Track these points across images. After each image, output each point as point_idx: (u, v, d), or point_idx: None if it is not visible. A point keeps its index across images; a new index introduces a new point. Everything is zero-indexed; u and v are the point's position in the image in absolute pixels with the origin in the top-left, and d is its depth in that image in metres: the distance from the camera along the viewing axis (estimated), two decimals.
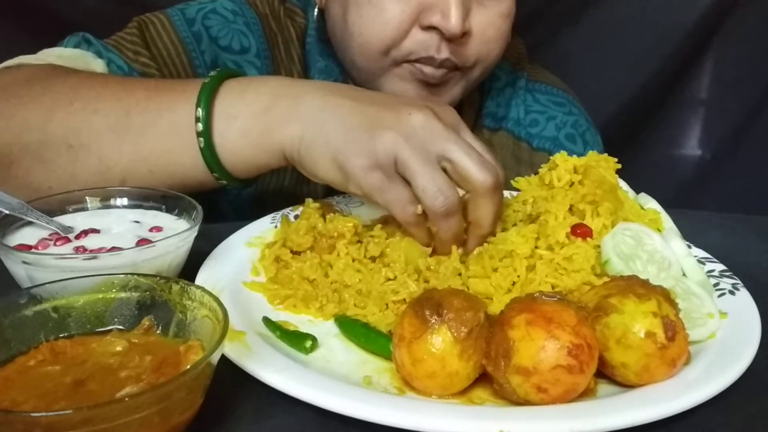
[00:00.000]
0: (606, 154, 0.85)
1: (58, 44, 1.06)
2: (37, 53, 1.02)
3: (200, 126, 0.85)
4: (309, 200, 0.89)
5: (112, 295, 0.63)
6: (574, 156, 0.84)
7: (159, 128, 0.87)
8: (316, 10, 1.21)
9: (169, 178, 0.88)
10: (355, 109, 0.81)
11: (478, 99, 1.28)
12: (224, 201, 1.17)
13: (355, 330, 0.71)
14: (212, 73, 0.88)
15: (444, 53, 1.04)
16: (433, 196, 0.76)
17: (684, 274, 0.77)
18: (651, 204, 0.86)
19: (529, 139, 1.27)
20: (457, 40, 1.03)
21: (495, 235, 0.81)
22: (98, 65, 1.04)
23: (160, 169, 0.88)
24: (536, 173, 0.88)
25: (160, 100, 0.88)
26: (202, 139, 0.85)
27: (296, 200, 0.92)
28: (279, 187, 1.16)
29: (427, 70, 1.06)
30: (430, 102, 0.84)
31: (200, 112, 0.85)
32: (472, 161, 0.77)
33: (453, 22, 1.00)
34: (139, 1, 1.17)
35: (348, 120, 0.80)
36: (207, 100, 0.85)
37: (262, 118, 0.85)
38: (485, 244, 0.81)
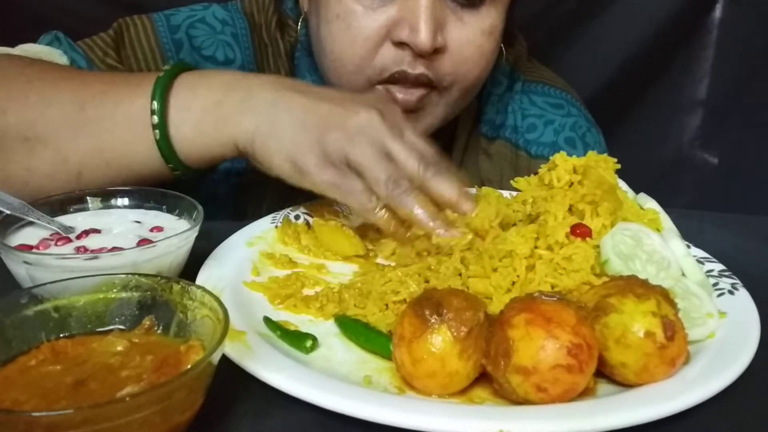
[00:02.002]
0: (606, 154, 0.85)
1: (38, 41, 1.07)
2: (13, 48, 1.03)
3: (156, 118, 0.86)
4: (317, 219, 0.92)
5: (113, 295, 0.64)
6: (574, 156, 0.84)
7: (115, 121, 0.88)
8: (300, 20, 1.17)
9: (126, 169, 0.89)
10: (306, 106, 0.84)
11: (476, 105, 1.23)
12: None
13: (355, 330, 0.71)
14: (166, 67, 0.90)
15: (418, 68, 1.00)
16: (385, 184, 0.80)
17: (683, 274, 0.77)
18: (650, 204, 0.86)
19: (527, 147, 1.23)
20: (429, 56, 0.99)
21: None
22: (62, 63, 1.04)
23: (116, 161, 0.89)
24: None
25: (116, 92, 0.89)
26: (157, 131, 0.86)
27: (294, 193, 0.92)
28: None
29: (400, 95, 1.02)
30: (380, 103, 0.87)
31: (155, 104, 0.86)
32: (408, 154, 0.82)
33: (422, 37, 0.96)
34: (133, 4, 1.17)
35: (299, 117, 0.83)
36: (162, 92, 0.87)
37: (215, 110, 0.86)
38: (485, 245, 0.81)
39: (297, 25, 1.18)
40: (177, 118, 0.87)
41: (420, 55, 0.99)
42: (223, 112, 0.86)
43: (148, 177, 0.89)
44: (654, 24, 1.85)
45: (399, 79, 1.02)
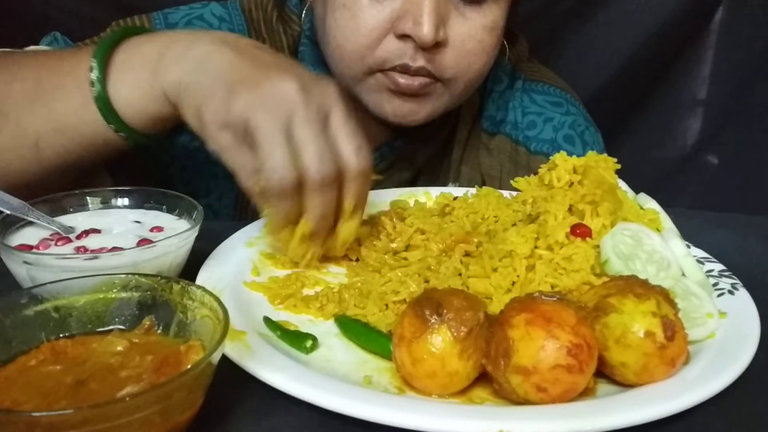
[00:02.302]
0: (606, 154, 0.85)
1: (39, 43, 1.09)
2: None
3: (92, 75, 0.85)
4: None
5: (113, 295, 0.64)
6: (574, 156, 0.84)
7: (66, 88, 0.88)
8: (305, 10, 1.19)
9: (77, 136, 0.89)
10: (235, 63, 0.79)
11: (477, 101, 1.26)
12: (203, 205, 1.17)
13: (355, 330, 0.71)
14: (116, 28, 0.90)
15: (419, 62, 1.02)
16: (269, 171, 0.73)
17: (683, 274, 0.77)
18: (650, 204, 0.86)
19: (526, 143, 1.25)
20: (431, 49, 1.01)
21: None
22: None
23: (68, 128, 0.88)
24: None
25: (70, 61, 0.89)
26: (94, 89, 0.85)
27: None
28: None
29: (402, 80, 1.03)
30: (312, 78, 0.79)
31: (94, 63, 0.85)
32: (309, 146, 0.73)
33: (425, 30, 0.98)
34: (132, 6, 1.18)
35: (221, 72, 0.78)
36: (103, 53, 0.86)
37: (153, 65, 0.84)
38: (484, 245, 0.82)
39: (300, 18, 1.21)
40: (117, 78, 0.86)
41: (422, 48, 1.01)
42: (159, 65, 0.83)
43: (100, 145, 0.89)
44: (655, 24, 1.84)
45: (400, 71, 1.04)
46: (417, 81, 1.04)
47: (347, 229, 0.80)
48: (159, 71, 0.83)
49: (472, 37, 1.05)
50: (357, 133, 0.78)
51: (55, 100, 0.88)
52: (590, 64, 1.85)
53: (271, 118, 0.73)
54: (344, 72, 1.08)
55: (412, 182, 1.25)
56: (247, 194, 0.78)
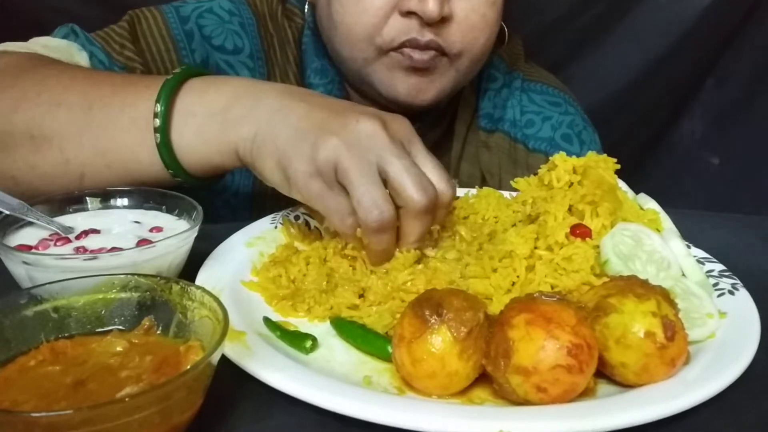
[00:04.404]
0: (605, 154, 0.85)
1: (52, 35, 1.07)
2: (27, 41, 1.03)
3: (158, 122, 0.84)
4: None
5: (113, 296, 0.63)
6: (572, 156, 0.84)
7: (119, 123, 0.87)
8: (307, 4, 1.21)
9: (127, 174, 0.88)
10: (308, 113, 0.79)
11: (474, 99, 1.27)
12: (220, 201, 1.17)
13: (352, 332, 0.71)
14: (176, 71, 0.88)
15: (427, 36, 1.05)
16: (367, 210, 0.74)
17: (683, 274, 0.77)
18: (650, 204, 0.86)
19: (525, 141, 1.26)
20: (437, 24, 1.04)
21: (424, 251, 0.81)
22: (82, 57, 1.04)
23: (118, 165, 0.87)
24: (532, 174, 0.88)
25: (124, 95, 0.88)
26: (158, 135, 0.84)
27: (294, 201, 0.92)
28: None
29: (416, 54, 1.06)
30: (386, 114, 0.81)
31: (159, 107, 0.84)
32: (408, 178, 0.74)
33: (430, 5, 1.01)
34: (127, 5, 1.19)
35: (298, 124, 0.78)
36: (167, 96, 0.85)
37: (220, 117, 0.84)
38: (484, 245, 0.81)
39: (302, 11, 1.23)
40: (180, 123, 0.85)
41: (428, 23, 1.03)
42: (227, 119, 0.83)
43: (150, 183, 0.88)
44: (666, 43, 1.86)
45: (410, 46, 1.06)
46: (428, 54, 1.07)
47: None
48: (228, 126, 0.83)
49: (475, 11, 1.08)
50: (439, 163, 0.80)
51: (106, 133, 0.87)
52: (604, 77, 1.87)
53: (360, 158, 0.74)
54: (355, 56, 1.10)
55: None
56: (345, 237, 0.80)
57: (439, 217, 0.80)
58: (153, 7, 1.15)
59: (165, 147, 0.85)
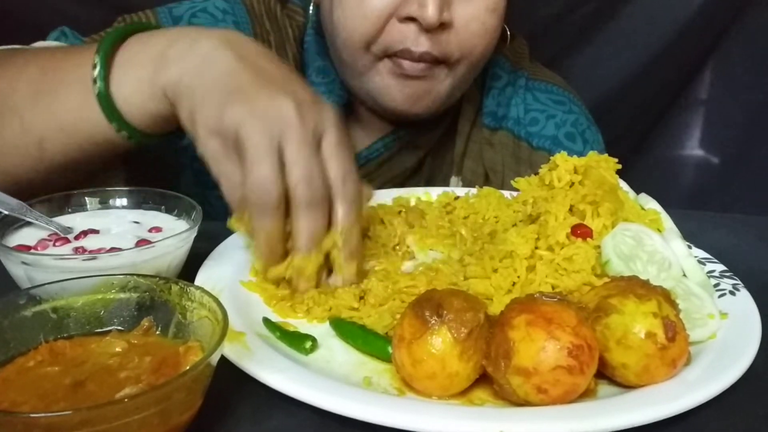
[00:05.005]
0: (607, 154, 0.85)
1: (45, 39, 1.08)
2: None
3: (95, 73, 0.83)
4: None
5: (112, 296, 0.63)
6: (574, 155, 0.84)
7: (68, 85, 0.86)
8: (312, 5, 1.22)
9: (78, 134, 0.87)
10: (236, 69, 0.77)
11: (478, 98, 1.28)
12: (213, 197, 1.16)
13: (352, 332, 0.71)
14: (120, 25, 0.88)
15: (422, 46, 1.05)
16: (252, 184, 0.71)
17: (684, 275, 0.77)
18: (651, 204, 0.86)
19: (528, 139, 1.27)
20: (435, 31, 1.03)
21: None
22: None
23: (70, 126, 0.86)
24: (536, 173, 0.87)
25: (74, 57, 0.88)
26: (96, 86, 0.83)
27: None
28: None
29: (406, 63, 1.06)
30: (311, 97, 0.77)
31: (97, 58, 0.83)
32: (300, 165, 0.71)
33: (429, 11, 1.00)
34: (125, 8, 1.19)
35: (221, 78, 0.76)
36: (107, 50, 0.84)
37: (155, 62, 0.82)
38: (484, 245, 0.81)
39: (304, 10, 1.23)
40: (119, 74, 0.84)
41: (426, 30, 1.03)
42: (161, 62, 0.81)
43: (102, 144, 0.87)
44: (663, 40, 1.86)
45: (403, 57, 1.06)
46: (420, 65, 1.07)
47: (347, 272, 0.77)
48: (160, 69, 0.81)
49: (475, 18, 1.07)
50: (349, 157, 0.76)
51: (58, 97, 0.87)
52: (598, 73, 1.87)
53: (262, 132, 0.71)
54: (354, 61, 1.10)
55: (417, 168, 1.26)
56: (233, 208, 0.76)
57: (339, 216, 0.75)
58: (148, 10, 1.15)
59: (105, 99, 0.83)
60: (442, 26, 1.04)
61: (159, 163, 1.16)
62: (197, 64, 0.79)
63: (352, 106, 1.22)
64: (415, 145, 1.24)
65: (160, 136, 0.88)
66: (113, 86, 0.84)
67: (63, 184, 0.86)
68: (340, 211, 0.75)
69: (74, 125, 0.87)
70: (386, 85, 1.10)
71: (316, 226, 0.74)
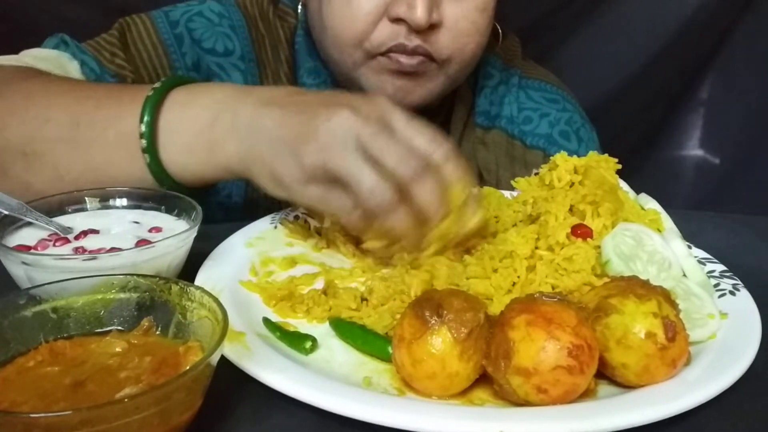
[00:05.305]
0: (606, 155, 0.85)
1: (41, 45, 1.07)
2: (19, 54, 1.03)
3: (144, 143, 0.84)
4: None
5: (112, 296, 0.63)
6: (570, 154, 0.84)
7: (106, 140, 0.86)
8: (300, 5, 1.21)
9: (115, 181, 0.87)
10: (282, 119, 0.79)
11: (470, 97, 1.27)
12: (214, 202, 1.16)
13: (352, 332, 0.71)
14: (156, 85, 0.87)
15: (415, 41, 1.05)
16: (366, 198, 0.73)
17: (684, 275, 0.77)
18: (651, 204, 0.86)
19: (522, 137, 1.26)
20: (425, 31, 1.04)
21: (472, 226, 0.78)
22: (73, 67, 1.04)
23: (111, 180, 0.87)
24: (530, 172, 0.87)
25: (108, 110, 0.88)
26: (147, 155, 0.84)
27: (288, 203, 0.92)
28: None
29: (403, 59, 1.06)
30: (358, 98, 0.79)
31: (143, 128, 0.84)
32: (389, 153, 0.73)
33: (418, 13, 1.00)
34: (123, 9, 1.18)
35: (275, 133, 0.78)
36: (151, 113, 0.84)
37: (205, 134, 0.84)
38: (485, 245, 0.81)
39: (295, 11, 1.23)
40: (167, 141, 0.85)
41: (416, 30, 1.03)
42: (212, 136, 0.83)
43: (135, 183, 0.87)
44: (661, 35, 1.86)
45: (398, 51, 1.06)
46: (416, 59, 1.07)
47: (479, 217, 0.79)
48: (214, 146, 0.83)
49: (465, 18, 1.07)
50: (424, 126, 0.77)
51: (95, 150, 0.87)
52: (593, 67, 1.86)
53: (343, 153, 0.73)
54: (344, 59, 1.10)
55: None
56: (358, 233, 0.79)
57: (448, 175, 0.76)
58: (143, 14, 1.15)
59: (156, 165, 0.85)
60: (432, 26, 1.04)
61: None
62: (248, 133, 0.80)
63: None
64: None
65: (204, 187, 0.91)
66: (162, 153, 0.85)
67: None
68: (447, 171, 0.76)
69: (115, 179, 0.87)
70: (379, 81, 1.09)
71: (434, 191, 0.75)
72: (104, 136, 0.86)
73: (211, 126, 0.83)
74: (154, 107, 0.85)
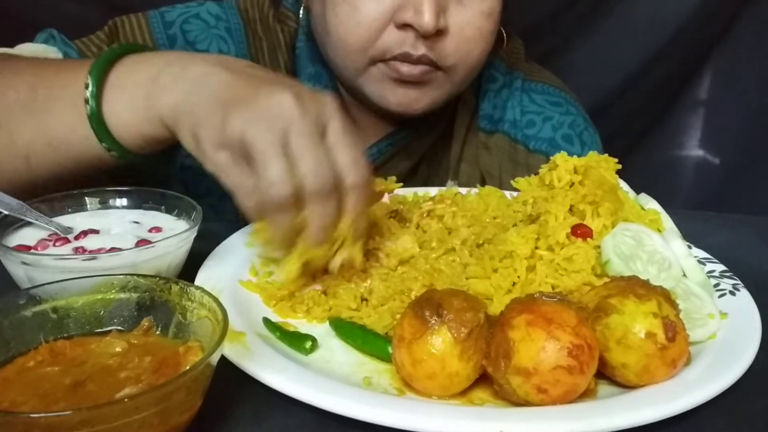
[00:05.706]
0: (606, 155, 0.85)
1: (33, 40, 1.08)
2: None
3: (87, 93, 0.84)
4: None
5: (112, 296, 0.63)
6: (574, 156, 0.84)
7: (59, 101, 0.87)
8: (302, 8, 1.21)
9: (67, 151, 0.87)
10: (230, 83, 0.77)
11: (474, 101, 1.27)
12: (203, 205, 1.17)
13: (352, 332, 0.71)
14: (113, 46, 0.88)
15: (420, 50, 1.04)
16: (265, 186, 0.70)
17: (684, 275, 0.77)
18: (651, 204, 0.86)
19: (525, 141, 1.26)
20: (432, 37, 1.03)
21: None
22: (57, 57, 1.04)
23: (59, 142, 0.87)
24: (533, 175, 0.87)
25: (66, 74, 0.88)
26: (88, 107, 0.84)
27: None
28: None
29: (404, 68, 1.05)
30: (307, 90, 0.76)
31: (89, 79, 0.84)
32: (307, 157, 0.71)
33: (426, 18, 1.00)
34: (123, 7, 1.18)
35: (217, 93, 0.76)
36: (99, 70, 0.84)
37: (148, 86, 0.82)
38: (485, 245, 0.81)
39: (296, 15, 1.22)
40: (111, 96, 0.84)
41: (423, 36, 1.03)
42: (154, 87, 0.81)
43: (91, 161, 0.87)
44: (661, 37, 1.86)
45: (401, 60, 1.05)
46: (418, 69, 1.06)
47: (349, 254, 0.77)
48: (154, 94, 0.81)
49: (470, 24, 1.07)
50: (355, 144, 0.75)
51: (47, 113, 0.87)
52: (596, 72, 1.86)
53: (266, 132, 0.71)
54: (347, 65, 1.09)
55: (412, 173, 1.26)
56: (246, 215, 0.75)
57: (346, 203, 0.74)
58: (140, 13, 1.15)
59: (96, 120, 0.84)
60: (438, 32, 1.03)
61: (146, 174, 1.16)
62: (192, 86, 0.79)
63: (347, 112, 1.21)
64: (411, 150, 1.23)
65: (148, 156, 0.89)
66: (105, 107, 0.84)
67: (51, 188, 0.86)
68: (350, 200, 0.74)
69: (63, 142, 0.87)
70: (381, 88, 1.09)
71: (327, 216, 0.73)
72: (57, 98, 0.87)
73: (155, 78, 0.82)
74: (104, 65, 0.85)
